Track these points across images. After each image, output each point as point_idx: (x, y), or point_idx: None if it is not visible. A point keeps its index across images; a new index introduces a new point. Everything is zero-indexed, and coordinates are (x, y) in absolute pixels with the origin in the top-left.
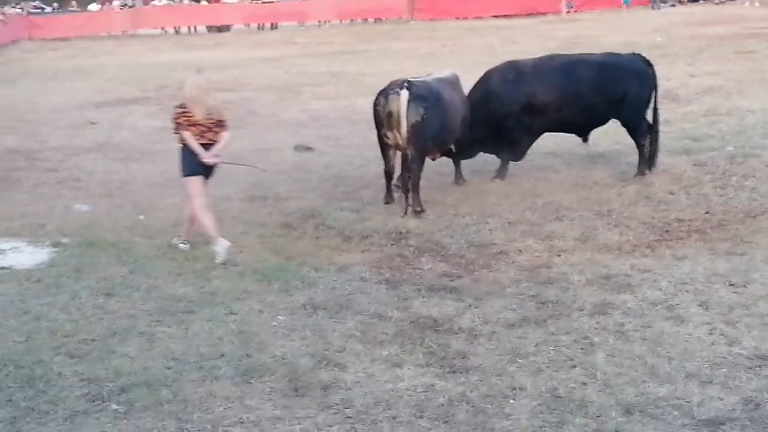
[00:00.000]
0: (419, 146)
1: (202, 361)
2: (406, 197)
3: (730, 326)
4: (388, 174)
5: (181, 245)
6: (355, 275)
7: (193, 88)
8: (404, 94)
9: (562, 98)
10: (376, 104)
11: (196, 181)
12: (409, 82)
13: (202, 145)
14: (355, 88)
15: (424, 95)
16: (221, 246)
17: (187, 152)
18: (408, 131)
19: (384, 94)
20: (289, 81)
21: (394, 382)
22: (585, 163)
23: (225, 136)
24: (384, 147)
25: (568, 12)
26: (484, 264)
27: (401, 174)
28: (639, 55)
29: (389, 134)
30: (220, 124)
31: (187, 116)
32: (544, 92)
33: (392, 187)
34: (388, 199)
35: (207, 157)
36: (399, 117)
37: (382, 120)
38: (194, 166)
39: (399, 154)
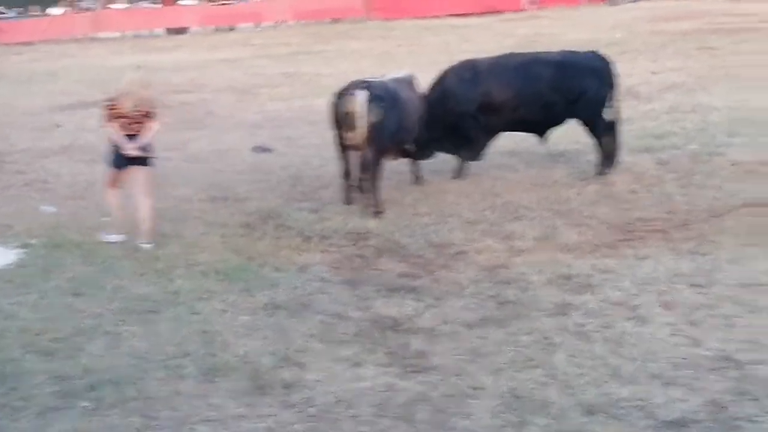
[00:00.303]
0: (378, 146)
1: (167, 359)
2: (364, 197)
3: (694, 327)
4: (346, 175)
5: (145, 245)
6: (315, 275)
7: (128, 82)
8: (362, 94)
9: (519, 97)
10: (334, 105)
11: (113, 173)
12: (367, 82)
13: (130, 135)
14: (311, 88)
15: (382, 96)
16: (111, 238)
17: (111, 144)
18: (366, 132)
19: (341, 94)
20: (246, 82)
21: (355, 382)
22: (545, 162)
23: (151, 127)
24: (341, 148)
25: (534, 6)
26: (444, 264)
27: (359, 174)
28: (596, 52)
29: (347, 135)
30: (148, 116)
31: (113, 109)
32: (501, 91)
33: (354, 187)
34: (347, 199)
35: (129, 149)
36: (357, 117)
37: (340, 120)
38: (115, 159)
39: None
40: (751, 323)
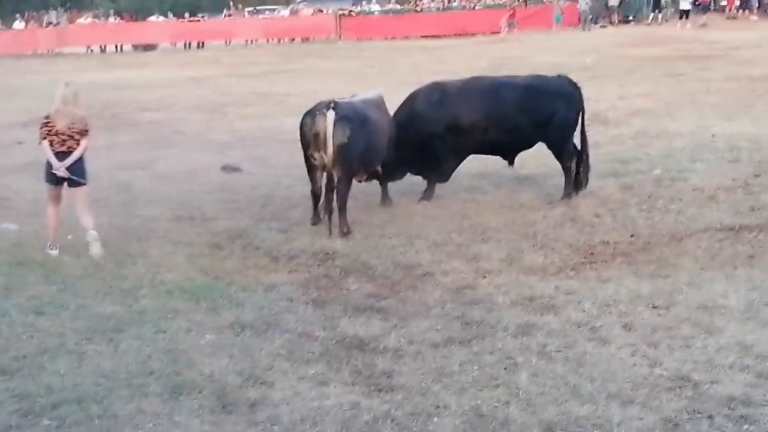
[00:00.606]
0: (346, 167)
1: (131, 378)
2: (330, 218)
3: (652, 348)
4: (315, 195)
5: (52, 252)
6: (282, 295)
7: (59, 99)
8: (330, 115)
9: (487, 120)
10: (302, 125)
11: (50, 189)
12: (335, 102)
13: (64, 152)
14: (281, 108)
15: (350, 116)
16: (51, 252)
17: (47, 161)
18: (334, 152)
19: (311, 114)
20: (215, 101)
21: (321, 400)
22: (512, 185)
23: (82, 144)
24: (311, 168)
25: (509, 31)
26: (410, 285)
27: (326, 195)
28: (565, 77)
29: (316, 155)
30: (82, 133)
31: (48, 127)
32: (469, 114)
33: (319, 207)
34: (315, 219)
35: (57, 167)
36: (325, 138)
37: (309, 141)
38: (49, 175)
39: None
40: (707, 344)
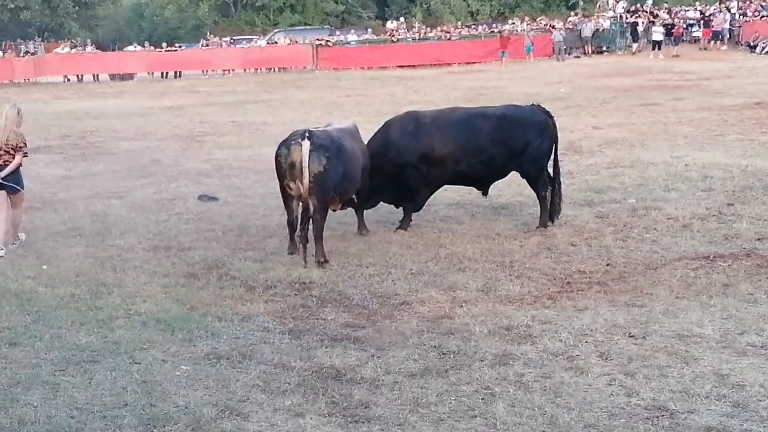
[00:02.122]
0: (321, 196)
1: (105, 410)
2: (305, 248)
3: (629, 377)
4: (291, 225)
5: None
6: (258, 325)
7: (2, 117)
8: (306, 144)
9: (461, 151)
10: (277, 155)
11: None
12: (310, 131)
13: (1, 165)
14: (258, 137)
15: (326, 145)
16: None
17: None
18: (310, 181)
19: (286, 144)
20: (192, 130)
21: None
22: (488, 214)
23: (16, 159)
24: (286, 198)
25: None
26: (387, 314)
27: (301, 224)
28: (539, 106)
29: (292, 185)
30: (17, 149)
31: None
32: (443, 144)
33: (295, 237)
34: (292, 249)
35: None
36: (301, 167)
37: (284, 171)
38: None
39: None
40: (683, 373)
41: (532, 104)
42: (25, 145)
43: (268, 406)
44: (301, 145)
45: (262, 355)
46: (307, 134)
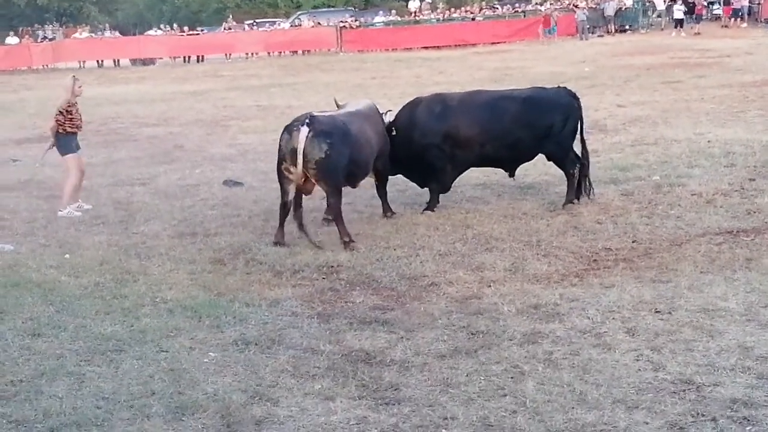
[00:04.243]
0: (331, 181)
1: (132, 399)
2: (303, 230)
3: (656, 352)
4: (284, 207)
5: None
6: (286, 310)
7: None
8: (304, 130)
9: (487, 133)
10: (280, 139)
11: None
12: (311, 117)
13: None
14: (283, 121)
15: (328, 131)
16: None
17: None
18: (313, 168)
19: (288, 129)
20: (216, 115)
21: (327, 416)
22: (514, 194)
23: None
24: (282, 180)
25: (549, 38)
26: (416, 296)
27: (295, 209)
28: (565, 88)
29: (292, 169)
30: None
31: None
32: (469, 127)
33: (322, 221)
34: (279, 238)
35: None
36: (298, 153)
37: (284, 155)
38: None
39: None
40: (709, 347)
41: (558, 86)
42: (60, 113)
43: (298, 390)
44: (300, 131)
45: (290, 340)
46: (307, 120)
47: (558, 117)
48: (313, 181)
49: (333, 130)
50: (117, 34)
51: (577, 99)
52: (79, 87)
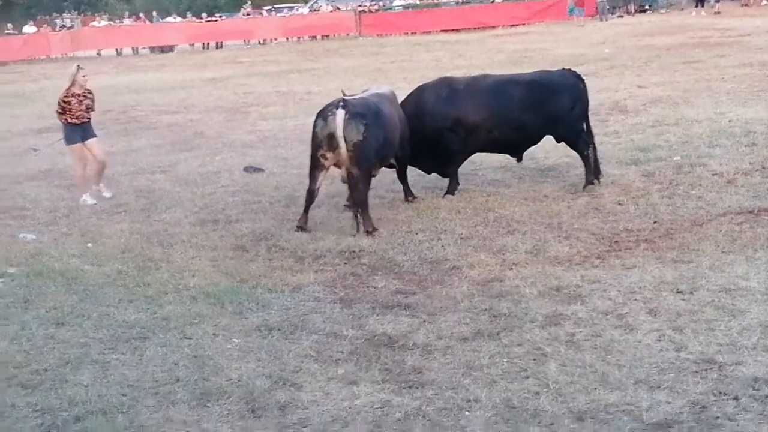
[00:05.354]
0: (364, 165)
1: (157, 386)
2: (356, 215)
3: (678, 332)
4: (311, 194)
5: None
6: (309, 295)
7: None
8: (340, 113)
9: (493, 118)
10: (314, 126)
11: None
12: (344, 100)
13: None
14: (303, 107)
15: (363, 113)
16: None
17: None
18: (350, 150)
19: (322, 115)
20: (235, 101)
21: (351, 400)
22: (535, 176)
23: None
24: (315, 167)
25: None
26: (438, 280)
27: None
28: (569, 70)
29: (329, 155)
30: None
31: None
32: (475, 111)
33: (344, 206)
34: (303, 222)
35: None
36: (338, 137)
37: (321, 141)
38: None
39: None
40: (731, 326)
41: (562, 68)
42: (58, 103)
43: (322, 375)
44: (336, 115)
45: (313, 325)
46: (341, 104)
47: (564, 99)
48: (348, 163)
49: (367, 112)
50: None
51: (582, 80)
52: (84, 77)
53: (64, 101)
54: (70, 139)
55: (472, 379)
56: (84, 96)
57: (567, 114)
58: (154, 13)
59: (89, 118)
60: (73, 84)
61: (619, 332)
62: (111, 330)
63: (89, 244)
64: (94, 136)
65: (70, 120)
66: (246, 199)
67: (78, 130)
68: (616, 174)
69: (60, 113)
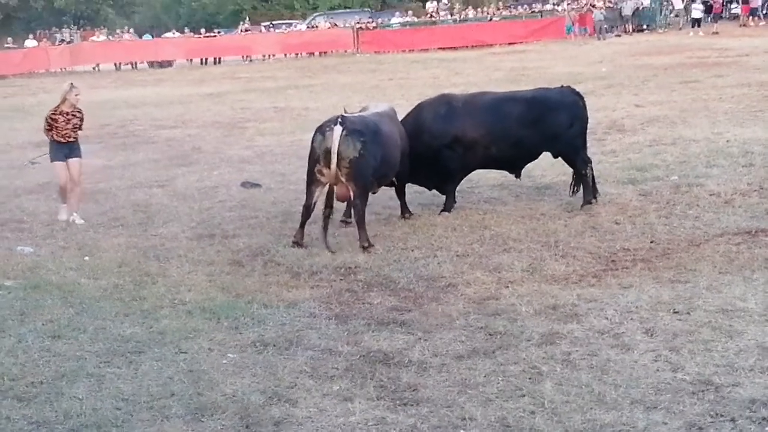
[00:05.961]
0: (361, 182)
1: (152, 400)
2: (325, 234)
3: (674, 353)
4: (308, 209)
5: None
6: (304, 311)
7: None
8: (337, 130)
9: (491, 135)
10: (313, 141)
11: None
12: (343, 117)
13: None
14: (300, 123)
15: (361, 130)
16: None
17: None
18: (346, 167)
19: (321, 130)
20: (233, 117)
21: (346, 416)
22: (532, 194)
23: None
24: (312, 182)
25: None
26: (433, 297)
27: (324, 212)
28: (569, 87)
29: (325, 171)
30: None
31: None
32: (474, 128)
33: (340, 222)
34: (299, 238)
35: None
36: (332, 153)
37: (318, 157)
38: None
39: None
40: (728, 347)
41: (562, 86)
42: (45, 120)
43: (317, 391)
44: (333, 131)
45: (308, 341)
46: (339, 120)
47: (563, 117)
48: (344, 180)
49: (365, 130)
50: (139, 36)
51: (582, 98)
52: (76, 96)
53: (51, 118)
54: (54, 157)
55: (468, 397)
56: (72, 115)
57: (565, 131)
58: (132, 30)
59: (76, 138)
60: (63, 102)
61: (616, 352)
62: (107, 344)
63: (86, 258)
64: (78, 156)
65: (56, 137)
66: (243, 215)
67: (63, 148)
68: (613, 193)
69: (47, 129)
